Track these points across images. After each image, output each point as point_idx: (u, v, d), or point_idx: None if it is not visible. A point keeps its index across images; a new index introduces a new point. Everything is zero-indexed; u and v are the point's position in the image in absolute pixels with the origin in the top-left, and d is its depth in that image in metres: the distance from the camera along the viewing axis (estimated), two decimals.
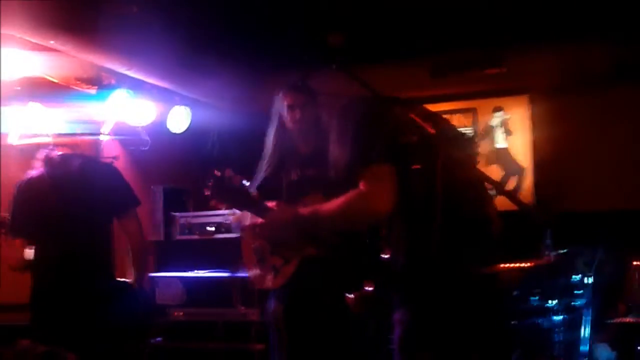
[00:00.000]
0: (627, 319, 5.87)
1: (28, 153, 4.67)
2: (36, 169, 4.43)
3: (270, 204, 3.69)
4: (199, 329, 6.30)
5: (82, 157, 4.51)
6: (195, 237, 6.91)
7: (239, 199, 3.78)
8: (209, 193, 3.58)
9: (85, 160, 4.49)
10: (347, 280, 4.08)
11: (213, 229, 6.82)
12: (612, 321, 5.94)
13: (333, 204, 2.89)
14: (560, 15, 5.87)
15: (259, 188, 4.27)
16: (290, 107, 4.14)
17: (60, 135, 4.55)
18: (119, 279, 4.53)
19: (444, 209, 2.74)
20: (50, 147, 4.49)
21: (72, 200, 4.29)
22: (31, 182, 4.39)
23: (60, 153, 4.46)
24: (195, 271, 6.54)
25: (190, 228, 6.95)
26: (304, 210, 2.98)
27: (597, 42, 6.25)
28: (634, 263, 6.03)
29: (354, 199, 2.84)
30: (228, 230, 6.66)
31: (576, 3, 5.70)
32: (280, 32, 6.00)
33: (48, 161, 4.41)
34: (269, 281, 4.11)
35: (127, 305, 4.35)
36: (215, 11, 5.62)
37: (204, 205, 7.50)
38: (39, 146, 4.55)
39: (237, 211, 4.12)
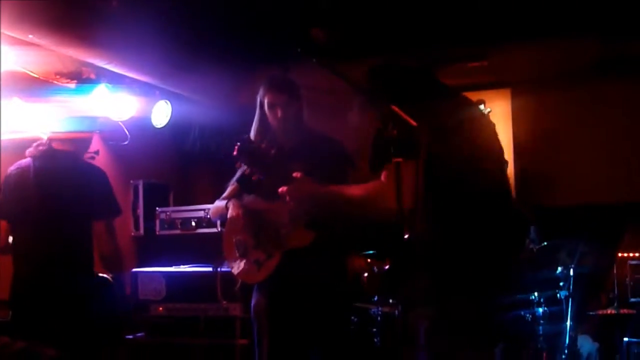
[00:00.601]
0: (609, 311, 5.91)
1: (20, 148, 4.68)
2: (26, 160, 4.46)
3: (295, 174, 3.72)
4: (181, 324, 6.28)
5: (73, 155, 4.49)
6: (177, 231, 6.90)
7: (263, 161, 3.79)
8: (235, 153, 3.71)
9: (74, 159, 4.47)
10: (330, 274, 4.10)
11: (194, 223, 6.80)
12: (594, 313, 5.98)
13: (357, 189, 3.06)
14: (542, 10, 5.87)
15: (239, 181, 4.26)
16: (271, 106, 4.12)
17: (53, 130, 4.53)
18: (100, 274, 4.52)
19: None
20: (43, 140, 4.50)
21: (53, 195, 4.30)
22: (19, 170, 4.46)
23: (50, 148, 4.46)
24: (177, 266, 6.51)
25: (172, 223, 6.93)
26: (330, 186, 3.14)
27: (579, 36, 6.25)
28: (619, 255, 6.07)
29: (376, 189, 2.96)
30: (210, 225, 6.64)
31: None
32: (262, 26, 5.98)
33: (37, 154, 4.43)
34: (252, 275, 4.10)
35: (105, 300, 4.34)
36: (196, 5, 5.59)
37: (185, 199, 7.50)
38: (31, 140, 4.59)
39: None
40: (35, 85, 5.73)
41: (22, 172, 4.43)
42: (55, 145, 4.48)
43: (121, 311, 4.63)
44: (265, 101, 4.13)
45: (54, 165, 4.38)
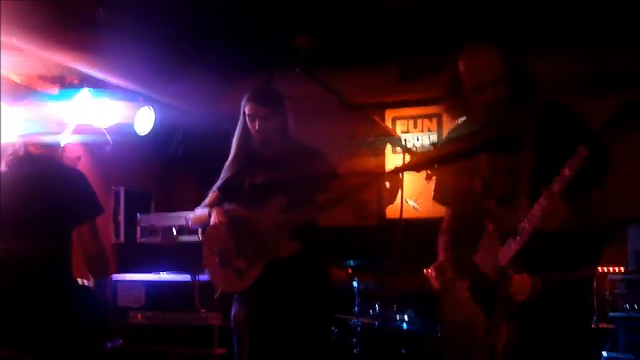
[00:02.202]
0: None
1: None
2: (3, 167, 4.39)
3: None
4: (160, 332, 6.24)
5: (49, 159, 4.44)
6: (158, 239, 6.85)
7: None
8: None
9: (51, 163, 4.42)
10: (312, 285, 4.09)
11: (175, 231, 6.77)
12: None
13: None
14: (525, 24, 5.90)
15: (220, 188, 4.24)
16: (250, 117, 4.11)
17: (27, 135, 4.48)
18: (81, 281, 4.47)
19: None
20: (18, 145, 4.43)
21: (30, 201, 4.23)
22: None
23: (26, 152, 4.40)
24: (157, 274, 6.48)
25: (153, 230, 6.89)
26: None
27: (563, 50, 6.29)
28: (599, 269, 6.09)
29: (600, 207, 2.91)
30: (191, 233, 6.61)
31: (542, 12, 5.74)
32: (246, 34, 5.98)
33: (12, 159, 4.37)
34: (233, 285, 4.08)
35: (86, 308, 4.30)
36: (180, 12, 5.59)
37: (167, 207, 7.47)
38: (7, 146, 4.52)
39: None
40: (17, 90, 5.69)
41: None
42: (30, 149, 4.42)
43: (101, 319, 4.57)
44: (246, 111, 4.12)
45: (30, 171, 4.32)
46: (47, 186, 4.27)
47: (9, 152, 4.40)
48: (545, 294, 2.83)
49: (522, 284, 2.84)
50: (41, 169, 4.31)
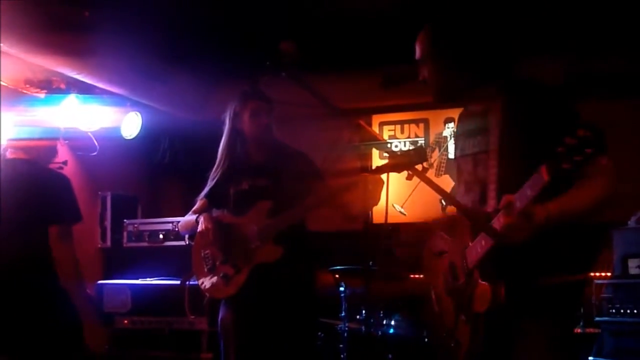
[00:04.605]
0: (577, 330, 5.94)
1: None
2: None
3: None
4: (146, 337, 6.24)
5: (32, 163, 4.42)
6: (144, 244, 6.85)
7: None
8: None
9: (34, 167, 4.40)
10: (298, 289, 4.09)
11: (162, 236, 6.77)
12: None
13: (578, 198, 2.68)
14: (512, 29, 5.92)
15: (207, 195, 4.24)
16: (256, 113, 4.11)
17: (13, 139, 4.46)
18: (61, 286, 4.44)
19: None
20: (3, 149, 4.42)
21: (9, 204, 4.21)
22: None
23: (9, 157, 4.38)
24: (144, 278, 6.47)
25: (139, 235, 6.89)
26: (551, 209, 2.61)
27: (549, 56, 6.32)
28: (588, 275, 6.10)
29: (601, 190, 2.71)
30: (177, 238, 6.60)
31: (528, 17, 5.77)
32: (232, 39, 5.98)
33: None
34: (220, 290, 4.08)
35: (64, 310, 4.28)
36: (167, 18, 5.59)
37: (154, 211, 7.45)
38: None
39: None
40: (3, 94, 5.67)
41: None
42: (14, 153, 4.40)
43: (78, 323, 4.52)
44: (248, 109, 4.12)
45: (12, 174, 4.30)
46: (25, 189, 4.26)
47: None
48: (516, 300, 2.70)
49: (482, 294, 2.70)
50: (22, 172, 4.30)
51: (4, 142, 4.50)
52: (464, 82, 3.00)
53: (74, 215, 4.44)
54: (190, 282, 5.22)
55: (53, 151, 4.62)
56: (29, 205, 4.25)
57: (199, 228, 4.12)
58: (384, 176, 3.47)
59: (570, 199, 2.66)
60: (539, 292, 2.76)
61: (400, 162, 2.93)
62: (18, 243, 4.21)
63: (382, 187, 3.54)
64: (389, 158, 2.96)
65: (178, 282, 5.95)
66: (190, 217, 4.28)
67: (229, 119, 4.17)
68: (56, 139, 4.69)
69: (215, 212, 4.21)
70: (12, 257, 4.19)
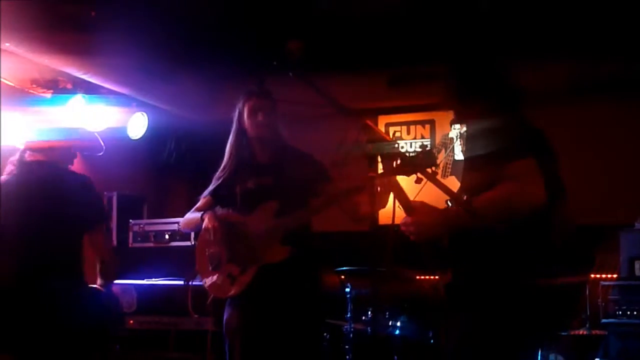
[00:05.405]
0: (581, 332, 5.93)
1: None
2: (7, 173, 4.32)
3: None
4: (152, 337, 6.23)
5: (56, 166, 4.38)
6: (150, 244, 6.84)
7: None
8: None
9: (58, 170, 4.37)
10: (304, 290, 4.09)
11: (168, 236, 6.76)
12: (566, 333, 5.99)
13: (488, 200, 2.92)
14: (518, 31, 5.92)
15: (212, 193, 4.24)
16: (253, 111, 4.11)
17: (33, 141, 4.43)
18: (90, 285, 4.43)
19: None
20: (23, 151, 4.38)
21: (38, 207, 4.17)
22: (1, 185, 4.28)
23: (32, 159, 4.34)
24: (150, 279, 6.46)
25: (145, 235, 6.88)
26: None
27: (556, 58, 6.31)
28: (591, 276, 6.09)
29: (512, 193, 2.90)
30: (183, 238, 6.60)
31: (535, 19, 5.76)
32: (238, 39, 5.98)
33: (19, 166, 4.31)
34: (225, 289, 4.07)
35: (95, 310, 4.26)
36: (173, 17, 5.59)
37: (160, 212, 7.45)
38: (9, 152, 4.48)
39: None
40: (11, 94, 5.68)
41: (4, 187, 4.28)
42: (32, 156, 4.36)
43: (110, 321, 4.53)
44: (247, 108, 4.12)
45: (36, 177, 4.26)
46: (51, 192, 4.22)
47: (10, 160, 4.36)
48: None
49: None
50: (46, 174, 4.27)
51: (24, 144, 4.45)
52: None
53: (103, 215, 4.45)
54: (194, 282, 5.24)
55: (73, 152, 4.58)
56: (59, 209, 4.20)
57: (204, 226, 4.12)
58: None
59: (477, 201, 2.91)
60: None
61: (409, 165, 2.96)
62: (48, 247, 4.17)
63: (391, 190, 3.55)
64: (399, 160, 2.98)
65: (182, 282, 5.98)
66: (193, 215, 4.27)
67: (235, 118, 4.18)
68: (75, 139, 4.65)
69: (220, 211, 4.20)
70: (39, 262, 4.15)
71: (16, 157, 4.36)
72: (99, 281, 4.39)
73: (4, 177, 4.30)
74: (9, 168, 4.33)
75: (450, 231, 3.06)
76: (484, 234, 2.90)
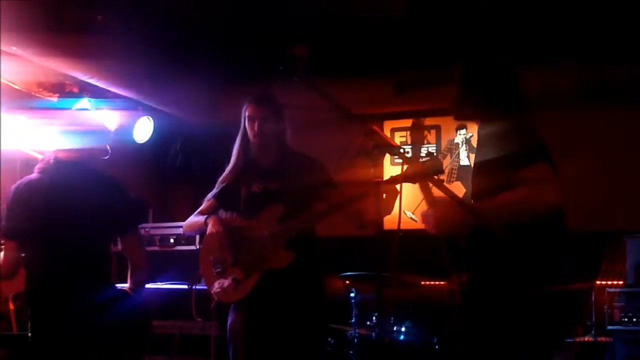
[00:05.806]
0: (587, 338, 5.91)
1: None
2: (35, 175, 4.29)
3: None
4: (156, 341, 6.22)
5: (88, 167, 4.35)
6: (155, 248, 6.85)
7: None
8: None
9: (90, 171, 4.34)
10: (309, 295, 4.08)
11: (173, 240, 6.76)
12: (572, 340, 5.97)
13: (506, 201, 2.97)
14: (523, 36, 5.92)
15: (217, 196, 4.23)
16: (250, 119, 4.11)
17: (67, 143, 4.40)
18: (119, 286, 4.41)
19: None
20: (52, 153, 4.35)
21: (69, 208, 4.14)
22: (30, 185, 4.23)
23: (62, 159, 4.30)
24: (155, 283, 6.46)
25: (150, 239, 6.89)
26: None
27: (560, 63, 6.30)
28: (597, 283, 6.08)
29: (532, 195, 2.95)
30: (188, 242, 6.60)
31: (539, 25, 5.76)
32: (244, 44, 5.99)
33: (50, 166, 4.28)
34: (229, 294, 4.06)
35: (125, 312, 4.25)
36: (179, 22, 5.60)
37: (165, 216, 7.46)
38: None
39: None
40: (17, 98, 5.69)
41: (32, 188, 4.20)
42: (63, 156, 4.32)
43: (142, 324, 4.52)
44: (246, 115, 4.13)
45: (67, 178, 4.22)
46: (82, 193, 4.18)
47: (41, 160, 4.34)
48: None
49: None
50: (76, 176, 4.23)
51: (56, 146, 4.40)
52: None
53: (138, 219, 4.43)
54: (198, 286, 5.23)
55: (104, 150, 4.53)
56: (91, 210, 4.17)
57: (208, 231, 4.11)
58: (398, 185, 3.48)
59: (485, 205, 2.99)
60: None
61: (415, 173, 2.97)
62: (80, 248, 4.14)
63: (397, 196, 3.55)
64: (406, 166, 2.99)
65: (186, 286, 5.97)
66: (197, 218, 4.26)
67: (242, 123, 4.18)
68: (102, 141, 4.59)
69: (224, 214, 4.19)
70: (75, 264, 4.13)
71: (41, 162, 4.34)
72: (128, 285, 4.38)
73: (35, 175, 4.27)
74: (40, 165, 4.30)
75: (467, 231, 3.07)
76: (502, 238, 2.93)
